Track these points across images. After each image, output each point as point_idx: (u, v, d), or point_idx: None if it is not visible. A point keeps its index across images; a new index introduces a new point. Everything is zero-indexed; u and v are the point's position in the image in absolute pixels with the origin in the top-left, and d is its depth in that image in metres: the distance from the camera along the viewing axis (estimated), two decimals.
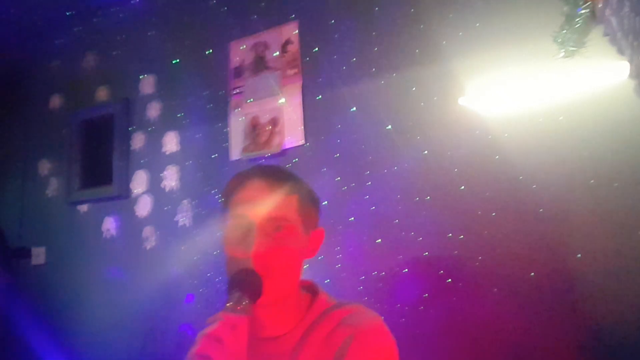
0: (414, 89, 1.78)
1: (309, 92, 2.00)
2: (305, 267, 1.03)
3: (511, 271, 1.53)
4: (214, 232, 2.07)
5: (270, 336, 0.99)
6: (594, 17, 1.38)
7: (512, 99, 1.61)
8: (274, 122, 2.06)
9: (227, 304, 0.85)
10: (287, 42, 2.08)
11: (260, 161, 2.06)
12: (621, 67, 1.37)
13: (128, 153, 2.43)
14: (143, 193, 2.36)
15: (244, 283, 0.88)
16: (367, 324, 0.99)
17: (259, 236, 0.92)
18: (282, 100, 2.05)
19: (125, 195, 2.39)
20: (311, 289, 1.06)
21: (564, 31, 1.43)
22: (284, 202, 0.96)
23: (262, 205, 0.95)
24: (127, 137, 2.45)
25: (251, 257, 0.91)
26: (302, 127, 1.98)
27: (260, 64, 2.14)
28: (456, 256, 1.62)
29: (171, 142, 2.32)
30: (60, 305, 2.45)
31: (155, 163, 2.35)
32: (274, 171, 1.02)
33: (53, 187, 2.65)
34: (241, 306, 0.85)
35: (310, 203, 1.02)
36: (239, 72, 2.19)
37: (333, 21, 2.00)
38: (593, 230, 1.45)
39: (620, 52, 1.24)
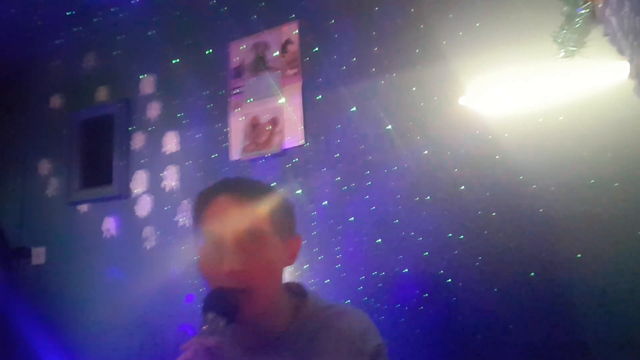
0: (414, 89, 1.78)
1: (309, 92, 2.00)
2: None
3: (511, 271, 1.53)
4: None
5: (261, 343, 0.98)
6: (594, 17, 1.38)
7: (512, 99, 1.61)
8: (274, 122, 2.05)
9: (203, 327, 0.83)
10: (287, 42, 2.08)
11: (260, 161, 2.06)
12: (621, 67, 1.37)
13: (128, 153, 2.43)
14: (143, 193, 2.36)
15: (218, 304, 0.86)
16: (355, 324, 0.99)
17: (232, 252, 0.90)
18: (282, 100, 2.05)
19: (125, 195, 2.39)
20: (299, 292, 1.06)
21: (564, 31, 1.43)
22: (254, 214, 0.94)
23: (232, 220, 0.92)
24: (127, 137, 2.45)
25: (225, 274, 0.88)
26: (302, 127, 1.98)
27: (260, 64, 2.14)
28: (456, 256, 1.62)
29: (171, 142, 2.32)
30: (60, 305, 2.45)
31: (155, 163, 2.35)
32: (240, 184, 1.00)
33: (53, 187, 2.65)
34: (217, 328, 0.82)
35: (283, 211, 1.00)
36: (239, 72, 2.19)
37: (333, 21, 2.00)
38: (593, 230, 1.45)
39: (620, 52, 1.24)
